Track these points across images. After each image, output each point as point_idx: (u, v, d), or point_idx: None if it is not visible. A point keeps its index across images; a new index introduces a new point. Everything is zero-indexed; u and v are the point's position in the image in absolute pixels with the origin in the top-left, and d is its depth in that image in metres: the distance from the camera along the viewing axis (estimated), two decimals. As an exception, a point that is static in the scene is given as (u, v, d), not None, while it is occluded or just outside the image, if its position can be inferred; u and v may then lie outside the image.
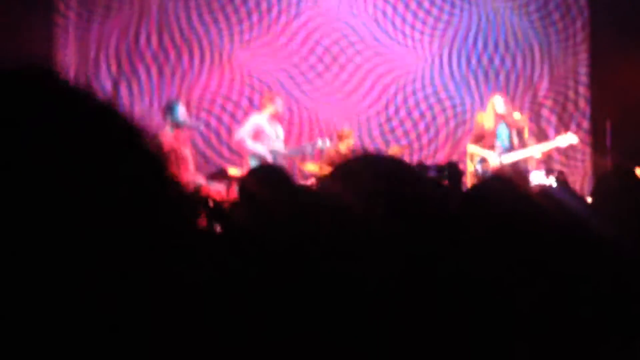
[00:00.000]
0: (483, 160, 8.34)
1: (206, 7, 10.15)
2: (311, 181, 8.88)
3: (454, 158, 9.58)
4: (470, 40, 10.89)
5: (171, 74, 10.03)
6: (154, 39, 10.00)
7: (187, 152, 7.74)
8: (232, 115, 10.07)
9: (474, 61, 10.89)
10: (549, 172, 8.55)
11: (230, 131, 9.68)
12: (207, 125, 9.79)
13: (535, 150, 8.39)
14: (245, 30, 10.25)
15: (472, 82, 10.85)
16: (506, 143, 8.35)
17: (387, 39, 10.68)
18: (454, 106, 10.79)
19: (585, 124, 11.01)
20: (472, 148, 8.44)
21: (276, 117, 8.61)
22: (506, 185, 1.67)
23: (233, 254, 1.85)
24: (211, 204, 4.13)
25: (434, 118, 10.75)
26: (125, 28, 9.91)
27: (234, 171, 8.13)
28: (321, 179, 1.50)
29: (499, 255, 1.16)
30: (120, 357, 0.70)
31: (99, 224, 0.69)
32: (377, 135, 10.57)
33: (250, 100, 10.09)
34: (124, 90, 9.81)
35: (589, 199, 2.80)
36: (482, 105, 9.59)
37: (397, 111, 10.67)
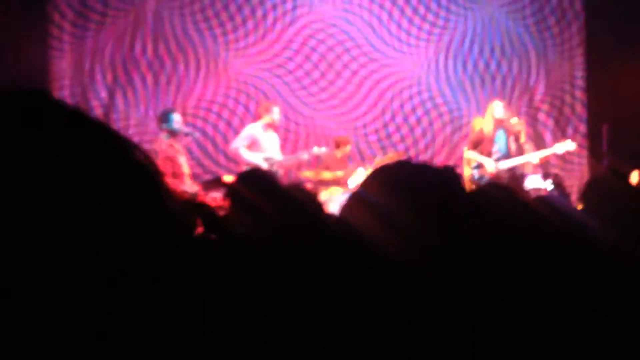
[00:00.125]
0: (479, 166, 8.33)
1: (201, 16, 10.15)
2: (309, 187, 8.88)
3: (451, 163, 9.58)
4: (466, 45, 10.90)
5: (167, 83, 10.03)
6: (150, 48, 10.00)
7: (183, 160, 7.73)
8: (228, 123, 10.07)
9: (470, 66, 10.90)
10: (545, 176, 8.55)
11: (226, 139, 9.69)
12: (203, 133, 9.78)
13: (532, 157, 8.39)
14: (240, 38, 10.26)
15: (469, 87, 10.85)
16: (504, 149, 8.34)
17: (383, 45, 10.69)
18: (450, 111, 10.80)
19: (582, 128, 11.02)
20: (469, 153, 8.44)
21: (272, 127, 8.62)
22: (503, 192, 1.66)
23: (227, 260, 1.84)
24: (207, 211, 4.12)
25: (430, 123, 10.76)
26: (121, 37, 9.91)
27: (230, 179, 8.12)
28: (364, 183, 1.46)
29: (498, 261, 1.14)
30: None
31: (92, 235, 0.70)
32: (374, 141, 10.57)
33: (246, 108, 10.09)
34: (119, 99, 9.81)
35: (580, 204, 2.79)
36: (479, 110, 9.60)
37: (393, 117, 10.68)
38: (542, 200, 1.94)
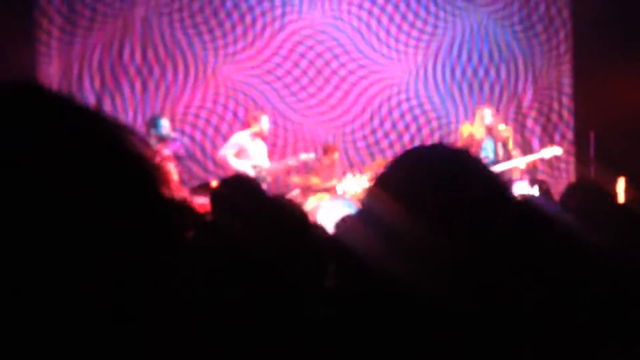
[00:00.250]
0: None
1: (190, 21, 10.14)
2: (296, 193, 8.88)
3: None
4: (455, 52, 10.93)
5: (155, 88, 10.01)
6: (138, 54, 9.98)
7: (171, 166, 7.72)
8: (217, 129, 10.05)
9: (458, 73, 10.92)
10: (532, 182, 8.58)
11: (214, 145, 9.67)
12: (192, 139, 9.76)
13: (519, 162, 8.42)
14: (229, 44, 10.25)
15: (457, 94, 10.88)
16: (491, 155, 8.37)
17: (372, 51, 10.70)
18: (438, 118, 10.82)
19: (569, 135, 11.06)
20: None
21: (260, 135, 8.63)
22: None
23: (213, 265, 1.84)
24: (195, 216, 4.12)
25: (419, 130, 10.77)
26: (109, 43, 9.89)
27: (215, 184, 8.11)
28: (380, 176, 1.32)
29: (500, 260, 1.12)
30: None
31: (88, 232, 0.69)
32: (362, 148, 10.57)
33: (235, 114, 10.08)
34: (107, 105, 9.77)
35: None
36: (467, 116, 9.62)
37: (381, 123, 10.68)
38: (527, 201, 1.93)
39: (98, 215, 0.70)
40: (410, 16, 10.83)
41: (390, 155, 10.30)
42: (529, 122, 11.04)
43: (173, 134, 8.06)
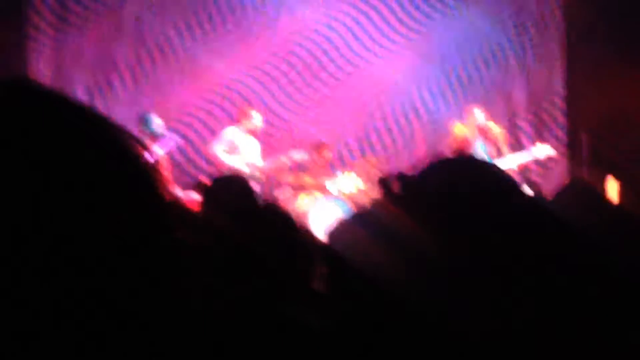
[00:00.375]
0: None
1: (182, 19, 10.12)
2: (289, 192, 8.88)
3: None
4: (448, 52, 10.93)
5: (147, 86, 9.99)
6: (130, 52, 9.95)
7: (164, 164, 7.71)
8: (209, 127, 10.03)
9: (450, 73, 10.93)
10: (524, 183, 8.59)
11: (206, 143, 9.65)
12: (184, 137, 9.75)
13: (512, 162, 8.43)
14: (222, 42, 10.23)
15: (450, 95, 10.88)
16: (484, 156, 8.38)
17: (365, 50, 10.70)
18: (430, 117, 10.82)
19: (562, 136, 11.08)
20: (450, 160, 8.45)
21: (252, 132, 8.60)
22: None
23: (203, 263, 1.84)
24: (188, 214, 4.12)
25: (411, 129, 10.78)
26: (101, 40, 9.86)
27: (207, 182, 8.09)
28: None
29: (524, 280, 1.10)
30: None
31: (85, 231, 0.68)
32: (355, 148, 10.57)
33: (227, 112, 10.06)
34: (99, 103, 9.74)
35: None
36: (459, 116, 9.63)
37: (374, 122, 10.68)
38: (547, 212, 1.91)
39: (94, 214, 0.69)
40: (404, 17, 10.84)
41: (381, 154, 10.31)
42: (522, 123, 11.05)
43: (164, 132, 8.05)
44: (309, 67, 10.53)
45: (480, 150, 8.38)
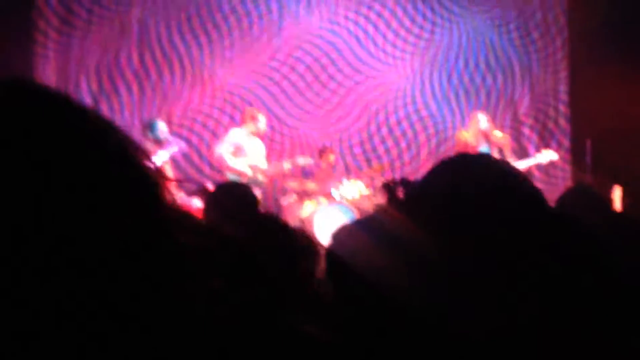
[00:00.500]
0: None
1: (187, 24, 10.13)
2: (293, 198, 8.87)
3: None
4: (452, 58, 10.94)
5: (152, 91, 9.99)
6: (135, 56, 9.96)
7: (168, 169, 7.70)
8: (213, 133, 10.03)
9: (455, 79, 10.93)
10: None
11: (210, 148, 9.65)
12: (188, 142, 9.75)
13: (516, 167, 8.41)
14: (226, 48, 10.24)
15: (453, 100, 10.89)
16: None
17: (369, 57, 10.71)
18: (435, 124, 10.82)
19: (566, 142, 11.07)
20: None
21: (257, 134, 8.57)
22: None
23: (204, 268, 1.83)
24: (193, 219, 4.11)
25: (415, 136, 10.77)
26: (106, 45, 9.87)
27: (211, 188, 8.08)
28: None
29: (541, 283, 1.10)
30: None
31: (86, 235, 0.68)
32: (359, 153, 10.57)
33: (232, 118, 10.06)
34: (104, 108, 9.75)
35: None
36: (464, 123, 9.62)
37: (378, 129, 10.69)
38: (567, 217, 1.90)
39: (95, 216, 0.69)
40: (408, 22, 10.85)
41: (386, 161, 10.31)
42: (526, 129, 11.05)
43: (169, 137, 8.04)
44: (314, 73, 10.54)
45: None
